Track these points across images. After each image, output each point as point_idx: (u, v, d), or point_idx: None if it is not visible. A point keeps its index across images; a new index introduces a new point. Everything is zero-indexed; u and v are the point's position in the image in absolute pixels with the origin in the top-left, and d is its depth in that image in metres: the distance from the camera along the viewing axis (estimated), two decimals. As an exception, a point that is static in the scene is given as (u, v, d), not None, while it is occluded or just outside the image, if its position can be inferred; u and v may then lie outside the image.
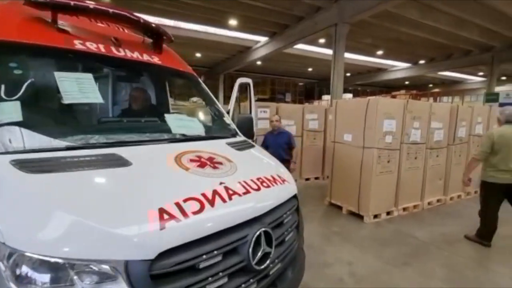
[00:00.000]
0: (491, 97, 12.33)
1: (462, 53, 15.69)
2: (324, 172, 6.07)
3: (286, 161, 3.87)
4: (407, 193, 4.11)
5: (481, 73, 21.55)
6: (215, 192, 1.22)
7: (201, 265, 1.03)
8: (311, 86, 30.18)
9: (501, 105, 11.94)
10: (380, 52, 16.11)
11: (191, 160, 1.42)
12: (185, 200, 1.11)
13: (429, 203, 4.43)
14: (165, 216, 1.01)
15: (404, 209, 4.11)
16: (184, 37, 13.60)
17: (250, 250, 1.18)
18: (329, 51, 11.03)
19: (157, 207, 1.03)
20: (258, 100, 22.06)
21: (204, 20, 12.17)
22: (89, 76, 1.62)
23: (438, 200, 4.57)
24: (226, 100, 25.83)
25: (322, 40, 13.87)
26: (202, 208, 1.12)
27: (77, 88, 1.53)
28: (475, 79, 24.05)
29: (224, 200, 1.21)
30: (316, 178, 6.15)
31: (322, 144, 6.06)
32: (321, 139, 6.02)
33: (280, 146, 3.88)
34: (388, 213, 3.94)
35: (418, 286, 2.41)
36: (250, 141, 2.30)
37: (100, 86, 2.42)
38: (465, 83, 25.60)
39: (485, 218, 3.23)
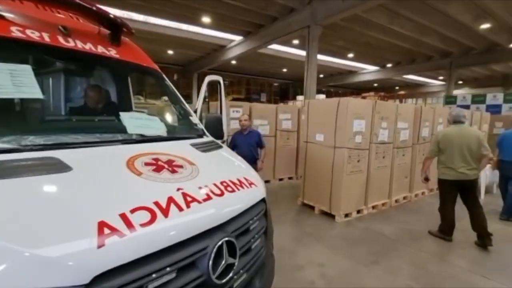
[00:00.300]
0: (450, 100, 13.25)
1: (425, 58, 16.77)
2: (297, 172, 6.10)
3: (255, 160, 3.82)
4: (376, 192, 4.23)
5: (441, 77, 23.20)
6: (170, 200, 1.09)
7: (150, 286, 0.90)
8: (286, 87, 30.58)
9: (460, 107, 12.93)
10: (351, 55, 16.71)
11: (146, 164, 1.27)
12: (133, 211, 0.97)
13: (396, 201, 4.59)
14: (106, 231, 0.86)
15: (374, 207, 4.22)
16: (154, 33, 13.07)
17: (210, 263, 1.07)
18: (303, 52, 11.18)
19: (96, 220, 0.88)
20: (233, 100, 21.99)
21: (176, 16, 11.76)
22: (27, 68, 1.40)
23: (404, 198, 4.76)
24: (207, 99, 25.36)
25: (296, 41, 14.06)
26: (153, 219, 0.98)
27: (10, 81, 1.31)
28: (436, 83, 25.86)
29: (180, 209, 1.08)
30: (290, 178, 6.16)
31: (295, 144, 6.08)
32: (295, 139, 6.04)
33: (250, 145, 3.82)
34: (358, 212, 4.02)
35: (386, 285, 2.44)
36: (218, 141, 2.17)
37: (46, 80, 2.17)
38: (427, 86, 27.44)
39: (444, 214, 3.40)
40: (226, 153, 2.01)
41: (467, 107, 12.61)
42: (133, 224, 0.93)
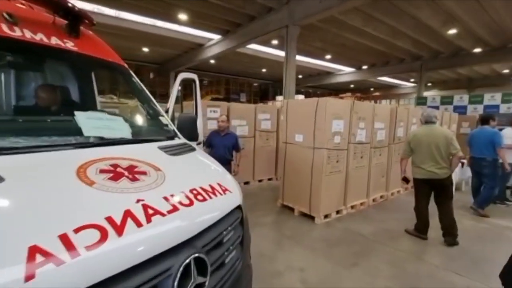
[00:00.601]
0: (421, 101, 13.89)
1: (397, 61, 17.50)
2: (277, 173, 6.04)
3: (229, 162, 3.70)
4: (354, 192, 4.25)
5: (412, 80, 24.36)
6: (127, 214, 0.93)
7: (97, 323, 0.74)
8: (266, 87, 30.67)
9: (429, 108, 13.60)
10: (328, 56, 17.04)
11: (102, 171, 1.10)
12: (77, 230, 0.80)
13: (373, 200, 4.66)
14: (38, 258, 0.70)
15: (352, 207, 4.24)
16: (127, 29, 12.51)
17: (176, 284, 0.92)
18: (282, 53, 11.20)
19: (27, 245, 0.71)
20: (212, 100, 21.69)
21: (150, 12, 11.31)
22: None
23: (381, 197, 4.84)
24: (180, 98, 24.74)
25: (275, 42, 14.07)
26: (103, 239, 0.82)
27: None
28: (408, 85, 27.14)
29: (139, 224, 0.93)
30: (270, 179, 6.08)
31: (275, 145, 6.01)
32: (274, 140, 5.97)
33: (226, 147, 3.68)
34: (337, 212, 4.02)
35: (365, 286, 2.41)
36: (192, 143, 2.01)
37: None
38: (399, 88, 28.73)
39: (418, 213, 3.47)
40: (199, 156, 1.85)
41: (436, 107, 13.28)
42: (76, 247, 0.76)
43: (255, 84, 30.62)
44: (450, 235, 3.20)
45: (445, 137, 3.14)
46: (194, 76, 3.20)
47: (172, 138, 1.94)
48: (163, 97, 23.49)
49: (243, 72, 24.89)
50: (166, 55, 18.85)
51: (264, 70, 23.03)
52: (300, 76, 24.48)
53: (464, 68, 18.82)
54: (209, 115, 4.88)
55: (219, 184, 1.45)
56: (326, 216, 3.83)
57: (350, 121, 3.94)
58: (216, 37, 14.29)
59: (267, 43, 14.88)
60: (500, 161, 4.18)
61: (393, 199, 5.04)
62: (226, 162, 3.56)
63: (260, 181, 5.95)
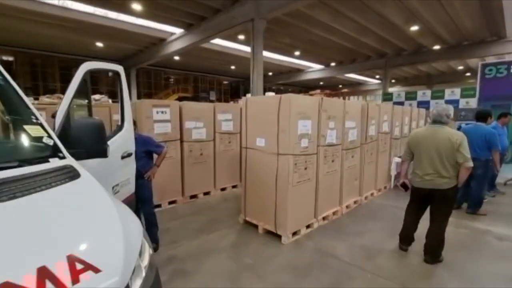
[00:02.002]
0: (387, 97, 14.09)
1: (364, 58, 17.75)
2: (242, 179, 5.39)
3: (142, 176, 2.96)
4: (326, 200, 3.75)
5: (377, 76, 25.15)
6: None
7: None
8: (236, 85, 30.01)
9: (395, 103, 13.84)
10: (297, 53, 16.77)
11: None
12: None
13: (347, 207, 4.21)
14: None
15: (324, 218, 3.73)
16: (74, 20, 11.08)
17: None
18: (250, 49, 10.54)
19: None
20: (179, 99, 20.65)
21: (100, 1, 10.09)
22: None
23: (355, 202, 4.42)
24: (144, 97, 23.15)
25: (241, 37, 13.41)
26: None
27: None
28: (373, 81, 28.04)
29: None
30: (234, 187, 5.43)
31: (238, 148, 5.35)
32: (238, 142, 5.30)
33: (136, 156, 2.85)
34: (308, 226, 3.48)
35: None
36: (75, 166, 1.29)
37: None
38: (366, 85, 29.64)
39: (404, 221, 3.04)
40: (76, 191, 1.14)
41: (401, 103, 13.54)
42: None
43: (225, 82, 29.83)
44: (432, 255, 2.75)
45: (449, 142, 2.53)
46: (117, 68, 2.43)
47: (46, 158, 1.21)
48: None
49: (212, 69, 23.93)
50: (125, 51, 17.34)
51: (233, 67, 22.30)
52: (270, 74, 24.15)
53: (424, 65, 19.68)
54: (155, 117, 4.09)
55: (80, 261, 0.76)
56: (294, 233, 3.27)
57: (318, 120, 3.42)
58: (178, 31, 13.28)
59: (233, 38, 14.17)
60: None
61: (367, 203, 4.65)
62: (136, 177, 2.82)
63: (223, 189, 5.28)
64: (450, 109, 2.69)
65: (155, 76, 24.62)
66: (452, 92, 11.95)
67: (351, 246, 3.12)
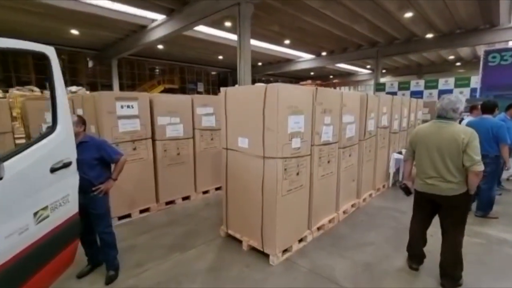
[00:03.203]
0: (380, 87, 13.70)
1: (355, 47, 17.26)
2: (223, 185, 4.82)
3: (92, 186, 2.34)
4: (321, 208, 3.24)
5: (368, 66, 24.78)
6: None
7: None
8: (224, 76, 29.12)
9: (388, 94, 13.45)
10: (287, 42, 16.08)
11: None
12: None
13: (344, 212, 3.73)
14: None
15: (319, 228, 3.23)
16: (43, 4, 9.99)
17: None
18: (236, 37, 9.81)
19: None
20: (165, 90, 19.77)
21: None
22: None
23: (352, 205, 3.94)
24: (127, 89, 22.02)
25: (228, 24, 12.61)
26: None
27: None
28: (364, 71, 27.70)
29: None
30: (218, 189, 4.85)
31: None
32: (221, 140, 4.70)
33: (86, 164, 2.25)
34: (301, 240, 2.97)
35: None
36: None
37: None
38: (356, 75, 29.30)
39: (410, 233, 2.58)
40: None
41: (394, 93, 13.16)
42: None
43: (213, 73, 28.89)
44: (449, 278, 2.28)
45: (454, 141, 2.09)
46: (44, 49, 1.77)
47: None
48: (106, 88, 20.66)
49: (198, 59, 22.93)
50: (104, 39, 16.18)
51: (220, 57, 21.40)
52: (260, 64, 23.39)
53: (415, 55, 19.36)
54: (120, 112, 3.44)
55: None
56: (285, 251, 2.76)
57: (313, 115, 2.86)
58: (160, 17, 12.33)
59: (219, 25, 13.32)
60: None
61: (365, 206, 4.18)
62: (87, 189, 2.24)
63: (205, 192, 4.71)
64: (458, 102, 2.20)
65: (139, 67, 23.43)
66: (446, 82, 11.63)
67: (352, 264, 2.63)
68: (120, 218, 3.60)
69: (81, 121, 2.33)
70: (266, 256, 2.68)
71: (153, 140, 3.88)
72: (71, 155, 1.93)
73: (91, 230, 2.45)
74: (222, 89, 2.97)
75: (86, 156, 2.28)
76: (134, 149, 3.64)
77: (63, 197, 1.88)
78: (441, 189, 2.20)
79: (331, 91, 3.27)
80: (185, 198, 4.40)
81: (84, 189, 2.29)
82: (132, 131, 3.59)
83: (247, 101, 2.71)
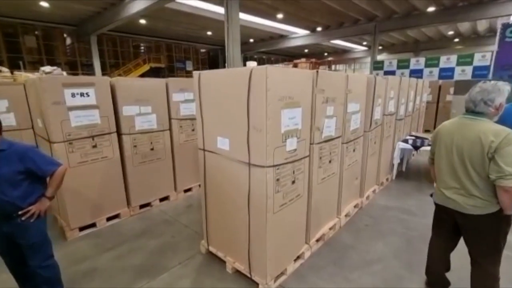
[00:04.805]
0: (378, 65, 12.96)
1: (352, 22, 16.26)
2: (202, 192, 4.25)
3: (18, 210, 1.72)
4: (321, 215, 2.72)
5: (364, 43, 23.75)
6: None
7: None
8: (215, 53, 27.70)
9: (386, 73, 12.73)
10: (280, 16, 14.93)
11: None
12: None
13: (346, 215, 3.23)
14: None
15: (319, 239, 2.73)
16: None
17: None
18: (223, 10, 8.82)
19: None
20: (152, 70, 18.61)
21: None
22: None
23: (355, 206, 3.45)
24: (111, 68, 20.65)
25: (214, -5, 11.45)
26: None
27: None
28: (360, 48, 26.63)
29: None
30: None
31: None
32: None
33: (6, 181, 1.63)
34: (297, 258, 2.46)
35: None
36: None
37: None
38: (352, 52, 28.21)
39: (428, 253, 2.10)
40: None
41: (393, 72, 12.47)
42: None
43: (202, 50, 27.41)
44: None
45: (479, 143, 1.54)
46: None
47: None
48: (87, 68, 19.27)
49: (185, 35, 21.45)
50: (79, 13, 14.69)
51: (209, 33, 20.04)
52: (251, 40, 22.10)
53: (413, 31, 18.44)
54: (70, 102, 2.73)
55: None
56: (279, 276, 2.25)
57: (312, 107, 2.24)
58: (137, -14, 11.08)
59: (205, -3, 12.13)
60: None
61: (369, 205, 3.70)
62: (9, 215, 1.67)
63: (187, 190, 4.14)
64: (495, 92, 1.59)
65: (122, 44, 21.82)
66: (448, 60, 10.95)
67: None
68: (82, 228, 3.02)
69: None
70: (256, 284, 2.17)
71: (119, 134, 3.22)
72: None
73: (25, 261, 1.87)
74: (194, 73, 2.29)
75: (4, 171, 1.65)
76: (94, 146, 2.99)
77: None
78: (462, 205, 1.67)
79: (335, 75, 2.62)
80: (164, 198, 3.83)
81: (7, 214, 1.69)
82: (90, 124, 2.91)
83: (227, 89, 2.05)
